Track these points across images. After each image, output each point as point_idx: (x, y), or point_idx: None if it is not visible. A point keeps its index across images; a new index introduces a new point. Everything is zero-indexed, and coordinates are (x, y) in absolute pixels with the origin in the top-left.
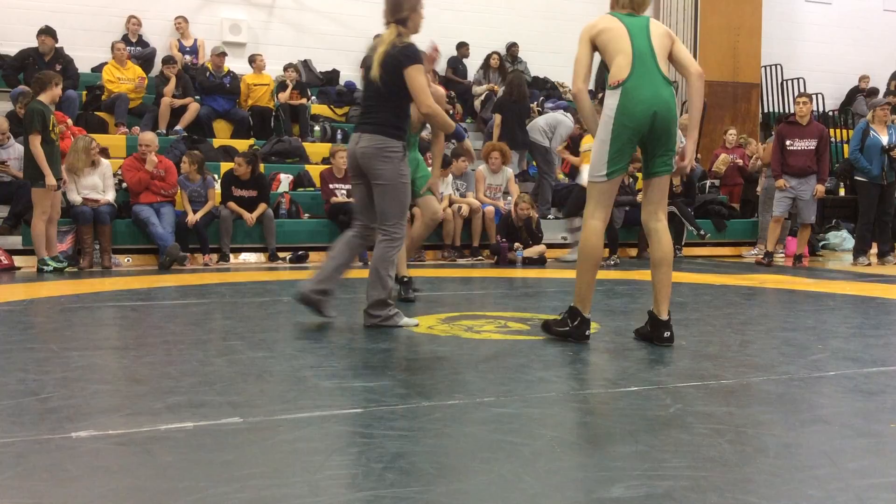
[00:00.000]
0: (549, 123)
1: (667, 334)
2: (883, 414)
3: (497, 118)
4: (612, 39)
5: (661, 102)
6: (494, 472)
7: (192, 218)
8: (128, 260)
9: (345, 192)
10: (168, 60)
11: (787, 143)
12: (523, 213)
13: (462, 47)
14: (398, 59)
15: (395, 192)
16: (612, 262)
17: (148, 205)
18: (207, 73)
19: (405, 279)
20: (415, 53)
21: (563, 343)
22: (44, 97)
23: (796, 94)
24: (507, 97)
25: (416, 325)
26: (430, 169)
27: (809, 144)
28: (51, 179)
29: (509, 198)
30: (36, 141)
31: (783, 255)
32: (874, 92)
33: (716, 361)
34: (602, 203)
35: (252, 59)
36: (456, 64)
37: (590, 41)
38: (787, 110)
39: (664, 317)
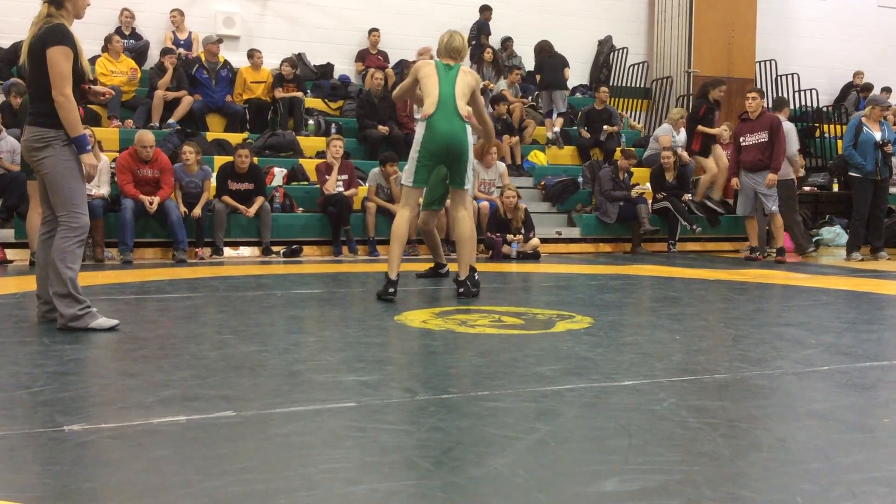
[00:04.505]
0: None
1: (461, 290)
2: (876, 409)
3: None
4: (427, 82)
5: (454, 135)
6: (489, 465)
7: (197, 211)
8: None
9: (341, 183)
10: (167, 52)
11: (741, 139)
12: (510, 202)
13: (486, 11)
14: (42, 39)
15: (60, 181)
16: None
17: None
18: (200, 65)
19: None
20: (61, 33)
21: (557, 337)
22: None
23: (793, 89)
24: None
25: (115, 327)
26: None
27: (760, 137)
28: None
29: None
30: None
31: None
32: (868, 87)
33: (709, 356)
34: (409, 201)
35: (250, 55)
36: (483, 25)
37: (414, 75)
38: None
39: (462, 277)
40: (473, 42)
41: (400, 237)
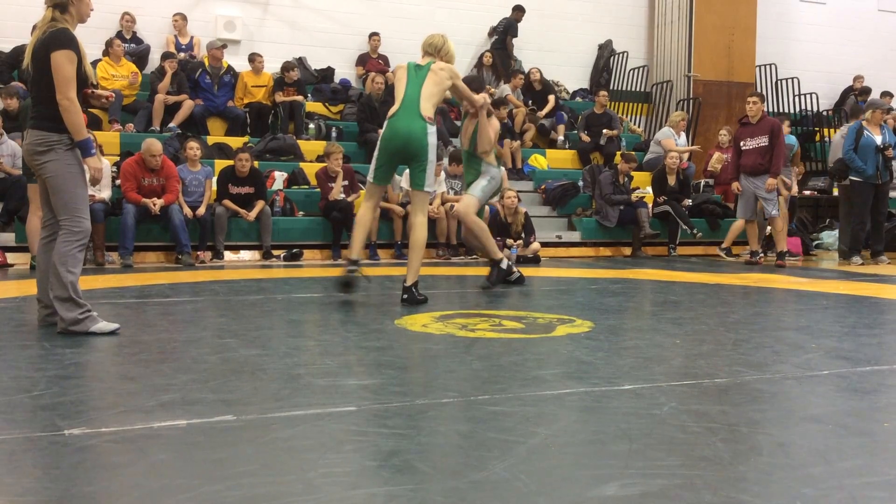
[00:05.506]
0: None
1: (405, 296)
2: (876, 413)
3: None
4: (397, 85)
5: (412, 134)
6: (489, 470)
7: (201, 210)
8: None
9: (342, 188)
10: (167, 56)
11: (742, 143)
12: (511, 205)
13: (518, 11)
14: (46, 43)
15: (62, 185)
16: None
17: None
18: (203, 69)
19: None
20: (65, 37)
21: (557, 341)
22: None
23: (793, 94)
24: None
25: (116, 331)
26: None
27: (761, 141)
28: None
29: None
30: None
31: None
32: (867, 91)
33: (709, 360)
34: (372, 196)
35: (251, 59)
36: (512, 26)
37: (391, 80)
38: (781, 110)
39: (408, 284)
40: (496, 37)
41: (363, 224)
